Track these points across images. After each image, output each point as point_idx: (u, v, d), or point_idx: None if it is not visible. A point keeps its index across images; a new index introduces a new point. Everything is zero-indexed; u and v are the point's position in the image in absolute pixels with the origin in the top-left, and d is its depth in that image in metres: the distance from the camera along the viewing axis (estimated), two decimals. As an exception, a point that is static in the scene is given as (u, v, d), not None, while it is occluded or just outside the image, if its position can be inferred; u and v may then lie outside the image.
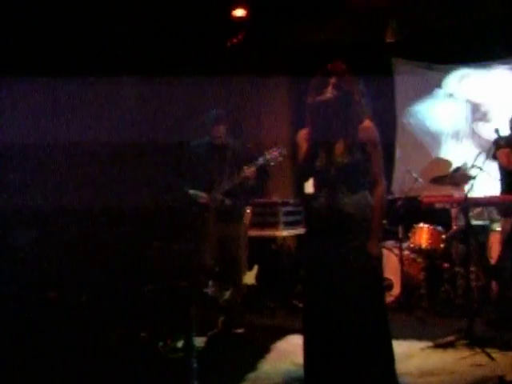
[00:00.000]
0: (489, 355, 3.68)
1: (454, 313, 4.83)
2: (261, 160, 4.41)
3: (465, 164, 5.25)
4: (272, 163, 4.40)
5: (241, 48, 5.88)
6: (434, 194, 4.98)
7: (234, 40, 5.91)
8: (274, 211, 5.79)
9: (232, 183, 4.43)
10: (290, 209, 5.90)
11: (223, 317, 4.59)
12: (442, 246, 5.20)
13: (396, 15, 5.83)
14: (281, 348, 4.18)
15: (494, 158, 4.59)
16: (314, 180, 3.04)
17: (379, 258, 2.93)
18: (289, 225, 5.82)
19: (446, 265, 5.18)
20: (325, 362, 2.88)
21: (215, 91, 5.67)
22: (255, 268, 5.48)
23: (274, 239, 5.81)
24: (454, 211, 5.21)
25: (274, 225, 5.75)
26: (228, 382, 3.52)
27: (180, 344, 4.24)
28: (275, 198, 5.92)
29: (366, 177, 2.92)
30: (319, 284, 2.89)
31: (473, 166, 4.89)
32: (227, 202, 4.46)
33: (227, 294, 4.30)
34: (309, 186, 5.01)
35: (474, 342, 3.90)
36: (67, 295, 4.77)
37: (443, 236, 5.23)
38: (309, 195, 5.07)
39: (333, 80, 2.85)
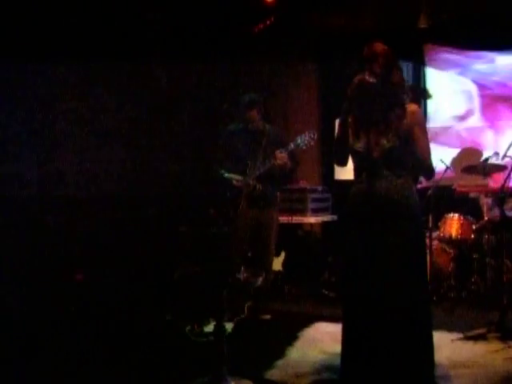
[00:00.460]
0: (520, 349, 3.64)
1: (484, 305, 4.75)
2: (292, 145, 4.38)
3: (496, 153, 5.14)
4: (303, 147, 4.36)
5: (270, 33, 5.81)
6: (466, 184, 4.90)
7: (263, 25, 5.85)
8: (302, 197, 5.75)
9: (264, 168, 4.41)
10: (317, 195, 5.86)
11: (250, 302, 4.60)
12: (472, 236, 5.11)
13: (429, 1, 5.71)
14: (309, 336, 4.17)
15: None
16: (355, 164, 2.98)
17: (423, 246, 2.88)
18: (316, 211, 5.79)
19: (475, 256, 5.10)
20: (364, 352, 2.83)
21: (246, 76, 5.63)
22: (282, 254, 5.47)
23: (301, 226, 5.78)
24: (485, 201, 5.12)
25: (302, 211, 5.72)
26: (257, 369, 3.50)
27: (207, 329, 4.27)
28: (303, 184, 5.88)
29: (409, 161, 2.86)
30: (360, 272, 2.83)
31: (505, 156, 4.81)
32: (259, 187, 4.43)
33: (259, 281, 4.28)
34: (340, 173, 5.02)
35: (506, 335, 3.86)
36: (96, 278, 4.83)
37: (474, 226, 5.14)
38: (344, 181, 5.08)
39: (379, 60, 2.79)
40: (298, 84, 6.70)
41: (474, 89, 6.28)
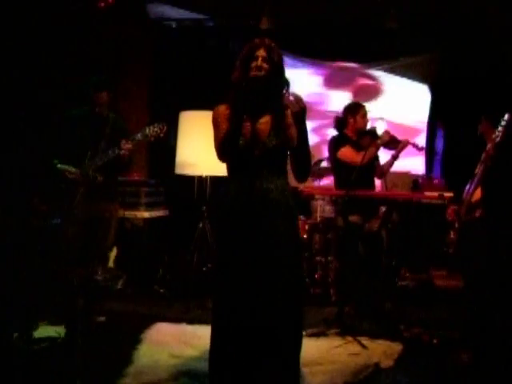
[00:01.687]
0: (361, 343, 3.86)
1: (315, 301, 4.97)
2: (139, 135, 4.11)
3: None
4: (152, 139, 4.12)
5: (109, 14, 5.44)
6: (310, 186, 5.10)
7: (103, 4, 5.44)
8: (136, 191, 5.46)
9: (106, 159, 4.07)
10: (151, 189, 5.62)
11: (79, 300, 4.22)
12: (305, 236, 5.33)
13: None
14: (152, 338, 3.93)
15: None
16: (231, 162, 2.83)
17: (299, 249, 2.84)
18: (150, 206, 5.54)
19: (306, 254, 5.32)
20: (233, 356, 2.71)
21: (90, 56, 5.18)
22: (114, 250, 5.12)
23: (133, 220, 5.48)
24: (318, 202, 5.37)
25: (135, 205, 5.43)
26: (107, 379, 3.19)
27: (38, 333, 3.82)
28: (137, 177, 5.59)
29: (286, 164, 2.80)
30: (234, 276, 2.67)
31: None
32: (100, 178, 4.08)
33: (120, 284, 3.94)
34: (182, 167, 4.86)
35: (344, 330, 4.07)
36: None
37: (306, 226, 5.36)
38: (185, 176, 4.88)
39: (262, 53, 2.66)
40: (133, 71, 6.38)
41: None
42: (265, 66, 2.66)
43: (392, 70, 6.44)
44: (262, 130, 2.72)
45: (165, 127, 4.17)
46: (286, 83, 2.76)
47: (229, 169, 2.84)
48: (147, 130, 4.12)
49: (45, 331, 3.89)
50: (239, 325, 2.68)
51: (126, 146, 4.03)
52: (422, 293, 5.24)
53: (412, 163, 6.11)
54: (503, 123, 3.64)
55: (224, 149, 2.71)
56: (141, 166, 6.18)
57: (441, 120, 6.38)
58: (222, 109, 2.81)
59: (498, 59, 5.58)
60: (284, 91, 2.75)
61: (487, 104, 4.79)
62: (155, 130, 4.13)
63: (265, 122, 2.73)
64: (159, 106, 6.48)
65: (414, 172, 6.07)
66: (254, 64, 2.65)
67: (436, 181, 5.93)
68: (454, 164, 5.83)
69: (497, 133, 3.64)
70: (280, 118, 2.72)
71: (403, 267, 5.44)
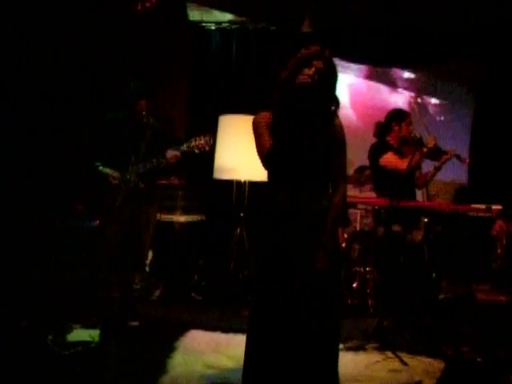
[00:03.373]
0: (401, 360, 3.72)
1: (354, 313, 4.84)
2: (184, 146, 4.10)
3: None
4: (196, 151, 4.09)
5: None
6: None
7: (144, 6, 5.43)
8: (173, 195, 5.43)
9: (149, 166, 4.07)
10: (188, 194, 5.57)
11: (113, 305, 4.20)
12: (343, 245, 5.21)
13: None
14: (187, 346, 3.85)
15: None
16: (274, 171, 2.74)
17: (338, 259, 2.74)
18: (187, 210, 5.49)
19: (344, 264, 5.19)
20: (268, 367, 2.63)
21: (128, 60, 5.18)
22: (150, 254, 5.08)
23: (170, 224, 5.44)
24: (356, 211, 5.25)
25: (172, 209, 5.40)
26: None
27: (71, 337, 3.80)
28: (174, 181, 5.56)
29: (328, 177, 2.70)
30: (273, 285, 2.63)
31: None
32: (141, 184, 4.08)
33: (157, 293, 3.91)
34: (220, 172, 4.80)
35: (383, 345, 3.94)
36: None
37: (345, 235, 5.24)
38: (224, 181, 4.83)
39: (319, 65, 2.57)
40: (173, 74, 6.35)
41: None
42: (316, 77, 2.57)
43: (438, 75, 6.28)
44: (304, 142, 2.64)
45: (211, 139, 4.16)
46: (336, 101, 2.69)
47: (270, 177, 2.77)
48: (193, 142, 4.13)
49: (79, 335, 3.87)
50: (275, 335, 2.63)
51: (172, 156, 4.03)
52: (463, 307, 5.07)
53: (455, 172, 5.94)
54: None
55: (270, 159, 2.64)
56: (178, 170, 6.15)
57: (485, 130, 6.18)
58: (264, 116, 2.74)
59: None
60: (333, 108, 2.68)
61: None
62: (201, 142, 4.12)
63: (306, 134, 2.64)
64: (199, 109, 6.44)
65: (457, 181, 5.91)
66: (306, 71, 2.57)
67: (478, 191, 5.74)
68: (498, 175, 5.63)
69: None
70: (324, 133, 2.64)
71: (444, 280, 5.27)
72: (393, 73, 6.74)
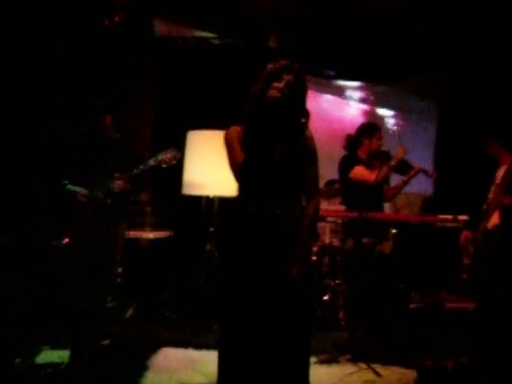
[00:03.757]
0: (375, 371, 3.74)
1: (323, 325, 4.85)
2: (152, 161, 4.04)
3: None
4: (164, 165, 4.05)
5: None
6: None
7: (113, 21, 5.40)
8: (141, 211, 5.38)
9: (117, 183, 4.02)
10: (156, 210, 5.52)
11: (82, 325, 4.11)
12: (314, 258, 5.22)
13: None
14: (160, 364, 3.82)
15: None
16: (246, 185, 2.75)
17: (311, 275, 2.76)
18: (155, 226, 5.45)
19: (314, 276, 5.21)
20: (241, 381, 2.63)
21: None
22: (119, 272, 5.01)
23: (138, 241, 5.38)
24: (325, 225, 5.28)
25: (141, 225, 5.34)
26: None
27: (40, 359, 3.71)
28: (142, 197, 5.51)
29: (300, 188, 2.72)
30: (241, 299, 2.63)
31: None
32: (109, 201, 4.01)
33: (130, 311, 3.84)
34: (189, 188, 4.77)
35: (356, 356, 3.96)
36: None
37: (314, 248, 5.26)
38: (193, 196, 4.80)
39: (289, 78, 2.60)
40: (139, 89, 6.31)
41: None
42: (286, 90, 2.60)
43: (401, 89, 6.41)
44: (275, 155, 2.65)
45: (178, 154, 4.13)
46: (306, 113, 2.72)
47: (241, 190, 2.77)
48: (160, 156, 4.07)
49: (48, 356, 3.80)
50: (247, 349, 2.62)
51: (118, 183, 3.99)
52: (432, 316, 5.14)
53: (421, 184, 6.04)
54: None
55: (243, 173, 2.64)
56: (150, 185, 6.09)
57: (448, 141, 6.33)
58: (235, 130, 2.76)
59: (506, 80, 5.55)
60: (303, 120, 2.71)
61: (492, 125, 4.72)
62: (168, 156, 4.07)
63: (278, 147, 2.64)
64: (164, 125, 6.41)
65: (422, 193, 6.01)
66: (276, 84, 2.59)
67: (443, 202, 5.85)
68: (462, 185, 5.76)
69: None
70: (296, 145, 2.66)
71: (413, 290, 5.34)
72: (346, 85, 6.80)
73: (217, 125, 6.19)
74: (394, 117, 6.72)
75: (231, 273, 2.70)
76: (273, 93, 2.59)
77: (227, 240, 2.76)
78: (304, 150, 2.68)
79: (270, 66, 2.69)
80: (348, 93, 6.81)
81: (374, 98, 6.74)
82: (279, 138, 2.65)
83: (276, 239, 2.63)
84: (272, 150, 2.64)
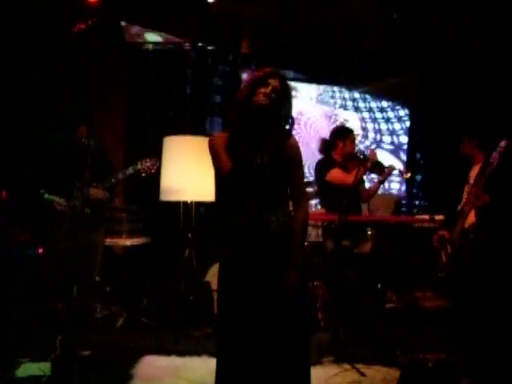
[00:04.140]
0: (359, 371, 3.78)
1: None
2: (130, 170, 4.03)
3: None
4: (143, 174, 4.03)
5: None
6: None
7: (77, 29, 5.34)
8: (117, 217, 5.31)
9: (95, 192, 3.98)
10: (133, 216, 5.46)
11: (61, 335, 4.03)
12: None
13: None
14: (143, 373, 3.77)
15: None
16: (228, 192, 2.75)
17: (304, 285, 2.76)
18: (132, 233, 5.39)
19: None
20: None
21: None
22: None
23: (115, 248, 5.31)
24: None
25: (117, 233, 5.27)
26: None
27: (20, 373, 3.62)
28: (118, 203, 5.44)
29: (286, 195, 2.73)
30: (238, 307, 2.61)
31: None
32: (87, 210, 3.97)
33: (120, 321, 3.77)
34: (166, 194, 4.73)
35: (339, 358, 3.99)
36: None
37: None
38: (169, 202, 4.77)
39: (275, 83, 2.61)
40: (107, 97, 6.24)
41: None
42: (273, 96, 2.61)
43: (374, 92, 6.51)
44: (262, 160, 2.65)
45: (157, 163, 4.12)
46: (292, 119, 2.74)
47: (226, 197, 2.77)
48: (139, 165, 4.05)
49: (28, 369, 3.70)
50: (245, 356, 2.61)
51: (95, 191, 3.96)
52: (409, 315, 5.22)
53: (392, 185, 6.15)
54: (499, 149, 3.66)
55: (231, 180, 2.64)
56: (119, 192, 6.03)
57: (420, 141, 6.45)
58: (220, 137, 2.76)
59: (478, 80, 5.68)
60: (288, 126, 2.73)
61: (467, 125, 4.83)
62: (147, 164, 4.07)
63: (264, 152, 2.65)
64: (136, 131, 6.35)
65: (394, 193, 6.10)
66: (262, 90, 2.60)
67: (417, 202, 5.97)
68: (434, 185, 5.88)
69: (491, 159, 3.66)
70: (280, 151, 2.67)
71: (389, 290, 5.41)
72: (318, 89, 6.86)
73: (190, 130, 6.24)
74: (364, 119, 6.82)
75: (228, 281, 2.69)
76: (260, 98, 2.60)
77: (223, 248, 2.75)
78: (289, 155, 2.70)
79: (255, 71, 2.71)
80: (320, 97, 6.88)
81: (346, 101, 6.82)
82: (266, 144, 2.66)
83: (266, 247, 2.63)
84: (259, 156, 2.65)
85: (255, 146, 2.65)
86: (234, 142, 2.69)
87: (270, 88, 2.61)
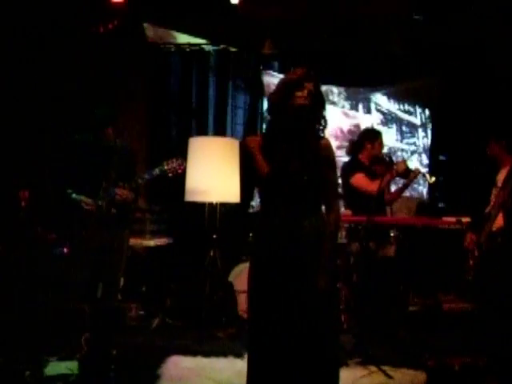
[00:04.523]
0: (386, 374, 3.77)
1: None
2: (157, 170, 4.02)
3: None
4: (170, 175, 4.04)
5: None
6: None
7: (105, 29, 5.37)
8: (140, 218, 5.34)
9: (121, 192, 3.99)
10: (156, 217, 5.49)
11: (86, 334, 4.06)
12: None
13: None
14: (170, 374, 3.77)
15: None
16: (264, 195, 2.77)
17: (334, 288, 2.76)
18: (155, 234, 5.41)
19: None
20: None
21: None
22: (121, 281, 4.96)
23: (138, 249, 5.33)
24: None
25: (140, 233, 5.30)
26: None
27: (49, 371, 3.65)
28: (141, 204, 5.46)
29: (320, 198, 2.73)
30: (271, 312, 2.61)
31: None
32: (113, 210, 3.98)
33: (155, 322, 3.78)
34: (192, 195, 4.75)
35: (366, 360, 3.98)
36: None
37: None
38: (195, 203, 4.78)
39: (310, 86, 2.61)
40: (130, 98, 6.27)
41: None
42: (309, 99, 2.62)
43: (397, 94, 6.49)
44: (298, 165, 2.66)
45: (184, 163, 4.11)
46: (325, 121, 2.74)
47: (264, 201, 2.79)
48: (165, 166, 4.04)
49: (56, 368, 3.74)
50: (276, 360, 2.61)
51: (121, 192, 3.96)
52: (431, 318, 5.20)
53: (414, 187, 6.13)
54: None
55: (270, 182, 2.65)
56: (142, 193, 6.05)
57: (443, 145, 6.42)
58: (254, 140, 2.76)
59: (498, 84, 5.66)
60: (322, 128, 2.73)
61: (492, 127, 4.80)
62: (173, 165, 4.05)
63: (301, 156, 2.66)
64: (159, 132, 6.37)
65: (416, 196, 6.09)
66: (299, 93, 2.60)
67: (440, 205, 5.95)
68: (457, 188, 5.85)
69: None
70: (316, 152, 2.68)
71: (411, 292, 5.40)
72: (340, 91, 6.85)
73: (213, 132, 6.26)
74: (386, 121, 6.80)
75: (259, 282, 2.70)
76: (300, 101, 2.60)
77: (257, 253, 2.76)
78: (323, 156, 2.70)
79: (289, 74, 2.71)
80: (338, 99, 6.86)
81: (368, 103, 6.81)
82: (302, 146, 2.67)
83: (301, 249, 2.63)
84: (296, 158, 2.66)
85: (291, 150, 2.66)
86: (269, 145, 2.71)
87: (306, 91, 2.61)
